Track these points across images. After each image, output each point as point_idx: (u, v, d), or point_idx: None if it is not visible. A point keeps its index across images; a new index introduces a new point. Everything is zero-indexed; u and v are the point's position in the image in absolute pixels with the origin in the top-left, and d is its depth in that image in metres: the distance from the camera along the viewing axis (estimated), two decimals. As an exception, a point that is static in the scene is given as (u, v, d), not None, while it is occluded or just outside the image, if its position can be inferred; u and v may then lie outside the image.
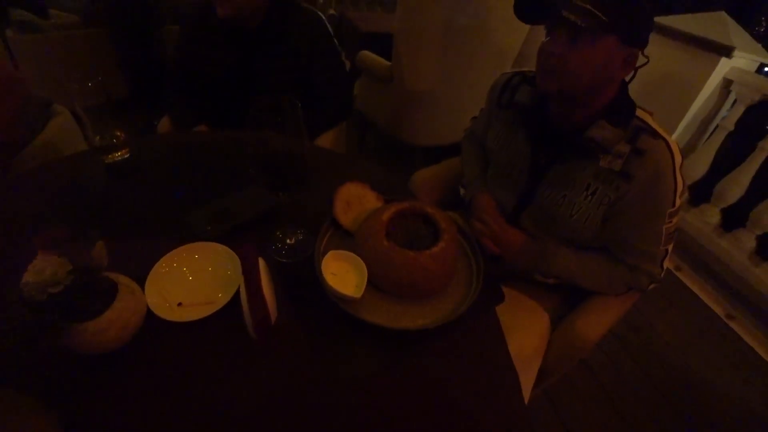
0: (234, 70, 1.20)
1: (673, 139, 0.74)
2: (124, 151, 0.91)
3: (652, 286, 0.84)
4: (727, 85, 1.95)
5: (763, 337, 1.72)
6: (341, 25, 2.65)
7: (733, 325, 1.78)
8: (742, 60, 1.89)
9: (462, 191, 1.08)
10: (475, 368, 0.63)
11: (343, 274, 0.67)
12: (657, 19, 1.89)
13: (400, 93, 1.96)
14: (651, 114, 0.78)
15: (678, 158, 0.73)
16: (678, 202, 0.74)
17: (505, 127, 0.93)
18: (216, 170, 0.98)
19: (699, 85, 1.93)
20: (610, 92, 0.75)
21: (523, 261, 0.88)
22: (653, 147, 0.72)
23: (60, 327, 0.49)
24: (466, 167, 1.09)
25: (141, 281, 0.61)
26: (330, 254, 0.68)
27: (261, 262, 0.60)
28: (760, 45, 2.02)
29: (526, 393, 0.88)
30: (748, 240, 1.88)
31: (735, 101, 1.95)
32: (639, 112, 0.77)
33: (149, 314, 0.59)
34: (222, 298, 0.63)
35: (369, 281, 0.66)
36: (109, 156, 0.89)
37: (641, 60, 0.73)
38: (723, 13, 2.02)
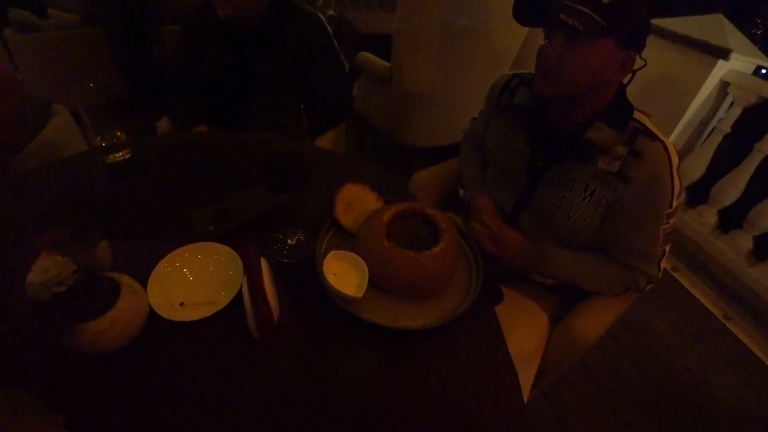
0: (233, 70, 1.21)
1: (671, 140, 0.75)
2: (125, 151, 0.91)
3: (649, 287, 0.85)
4: (724, 87, 1.96)
5: (760, 338, 1.73)
6: (340, 26, 2.65)
7: (730, 325, 1.79)
8: (739, 62, 1.89)
9: (461, 192, 1.08)
10: (474, 368, 0.64)
11: (344, 274, 0.68)
12: (654, 21, 1.91)
13: (399, 94, 1.95)
14: (649, 116, 0.79)
15: (675, 160, 0.73)
16: (675, 203, 0.75)
17: (504, 128, 0.94)
18: (217, 171, 0.98)
19: (696, 87, 1.94)
20: (608, 94, 0.76)
21: (521, 261, 0.88)
22: (651, 149, 0.73)
23: (62, 327, 0.49)
24: (465, 168, 1.10)
25: (143, 281, 0.62)
26: (331, 254, 0.69)
27: (263, 262, 0.61)
28: (756, 47, 2.03)
29: (525, 393, 0.88)
30: (745, 241, 1.89)
31: (732, 103, 1.96)
32: (637, 114, 0.77)
33: (151, 314, 0.59)
34: (224, 298, 0.63)
35: (370, 281, 0.66)
36: (111, 156, 0.90)
37: (639, 63, 0.74)
38: (720, 16, 2.03)
